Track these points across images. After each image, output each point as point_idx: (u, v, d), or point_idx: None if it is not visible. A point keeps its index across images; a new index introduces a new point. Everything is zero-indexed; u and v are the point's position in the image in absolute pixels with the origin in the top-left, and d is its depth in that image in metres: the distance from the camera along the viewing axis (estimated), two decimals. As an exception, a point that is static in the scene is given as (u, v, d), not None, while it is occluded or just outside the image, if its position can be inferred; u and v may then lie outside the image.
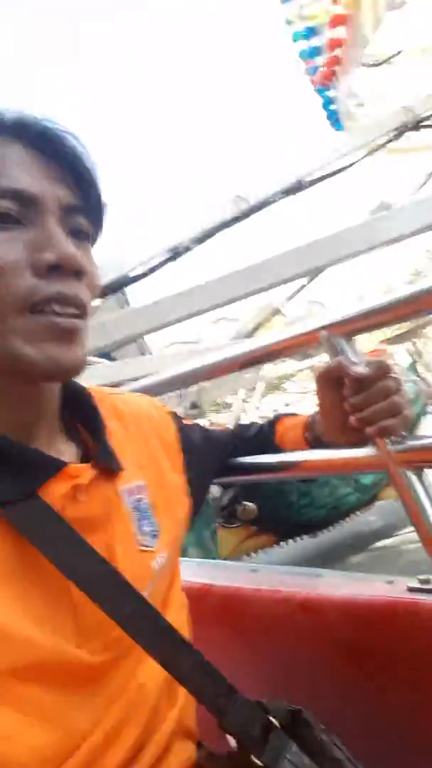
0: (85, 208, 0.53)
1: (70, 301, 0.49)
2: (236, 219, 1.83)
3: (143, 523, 0.60)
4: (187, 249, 1.79)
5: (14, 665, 0.45)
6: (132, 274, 1.78)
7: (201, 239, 1.80)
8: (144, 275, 1.78)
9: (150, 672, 0.53)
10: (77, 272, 0.50)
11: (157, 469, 0.67)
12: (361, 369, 0.65)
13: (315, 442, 0.77)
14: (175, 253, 1.77)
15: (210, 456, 0.80)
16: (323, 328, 0.70)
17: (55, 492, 0.52)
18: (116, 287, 1.75)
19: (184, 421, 0.78)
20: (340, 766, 0.53)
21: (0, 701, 0.44)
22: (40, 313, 0.48)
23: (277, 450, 0.83)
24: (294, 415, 0.86)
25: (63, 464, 0.52)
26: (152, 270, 1.79)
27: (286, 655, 0.76)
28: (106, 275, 1.78)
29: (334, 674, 0.73)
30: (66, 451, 0.58)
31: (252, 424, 0.90)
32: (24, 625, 0.46)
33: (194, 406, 4.50)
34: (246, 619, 0.81)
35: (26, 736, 0.45)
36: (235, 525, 2.18)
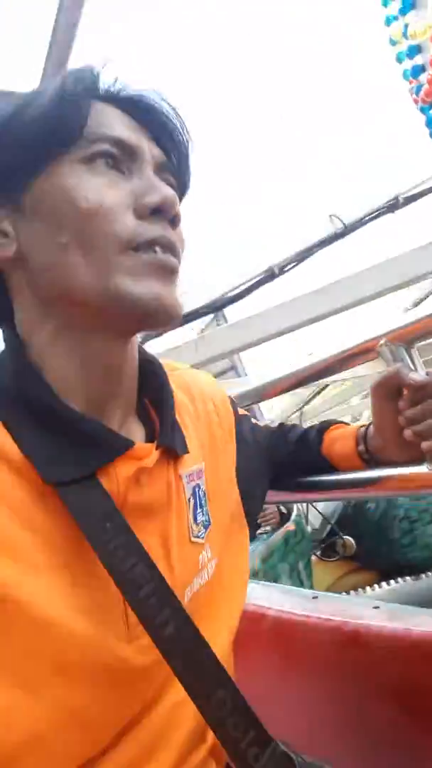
0: (174, 168, 0.54)
1: (171, 245, 0.49)
2: (332, 239, 1.84)
3: (198, 512, 0.57)
4: (283, 269, 1.84)
5: (55, 659, 0.42)
6: (230, 295, 1.88)
7: (297, 259, 1.85)
8: (242, 296, 1.87)
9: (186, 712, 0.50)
10: (174, 217, 0.50)
11: (214, 452, 0.64)
12: (419, 376, 0.61)
13: (369, 456, 0.72)
14: (272, 274, 1.83)
15: (257, 450, 0.76)
16: (382, 336, 0.69)
17: (119, 473, 0.49)
18: (215, 308, 1.85)
19: (239, 411, 0.75)
20: None
21: (35, 697, 0.41)
22: (145, 251, 0.47)
23: (321, 459, 0.78)
24: (342, 423, 0.81)
25: (131, 444, 0.49)
26: (249, 290, 1.87)
27: (332, 687, 0.73)
28: (203, 296, 1.90)
29: (379, 711, 0.68)
30: (136, 430, 0.55)
31: (296, 425, 0.85)
32: (70, 618, 0.43)
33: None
34: (296, 645, 0.79)
35: (56, 737, 0.42)
36: (333, 558, 2.14)
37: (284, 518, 2.01)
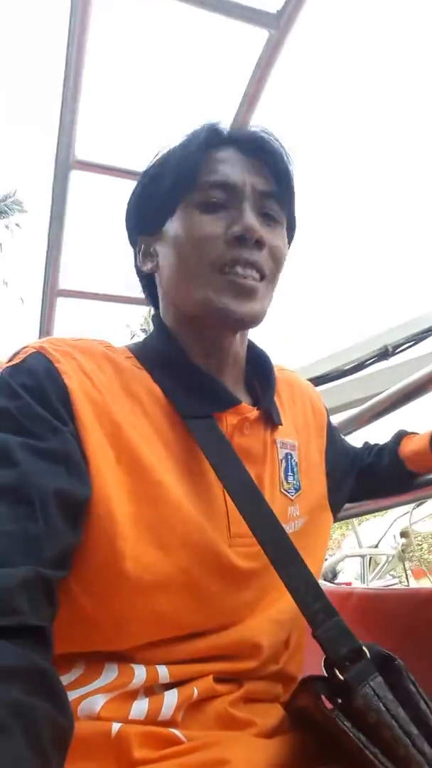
0: (277, 194, 0.64)
1: (251, 264, 0.61)
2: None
3: (288, 474, 0.67)
4: (396, 349, 1.99)
5: (186, 540, 0.54)
6: (345, 368, 2.06)
7: (413, 340, 2.00)
8: (355, 370, 2.04)
9: (285, 606, 0.58)
10: (257, 241, 0.61)
11: (307, 440, 0.74)
12: None
13: None
14: (386, 352, 2.00)
15: (344, 453, 0.85)
16: None
17: (228, 421, 0.63)
18: (330, 379, 2.04)
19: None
20: (424, 717, 0.50)
21: (167, 563, 0.52)
22: (226, 273, 0.60)
23: (398, 461, 0.84)
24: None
25: (239, 401, 0.64)
26: (363, 366, 2.03)
27: (412, 650, 0.79)
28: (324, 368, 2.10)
29: None
30: (242, 396, 0.69)
31: (377, 443, 0.92)
32: (196, 513, 0.55)
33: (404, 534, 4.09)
34: (380, 616, 0.88)
35: (175, 595, 0.52)
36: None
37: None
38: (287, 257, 0.68)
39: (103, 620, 0.51)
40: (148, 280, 0.74)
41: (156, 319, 0.71)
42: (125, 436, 0.55)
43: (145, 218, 0.69)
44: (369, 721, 0.48)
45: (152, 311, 0.75)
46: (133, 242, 0.72)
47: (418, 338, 2.03)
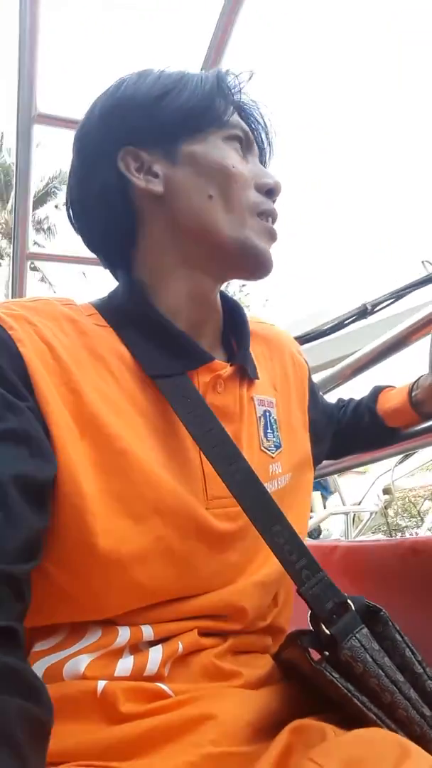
0: (265, 160, 0.68)
1: (275, 218, 0.64)
2: (423, 282, 1.98)
3: (267, 431, 0.66)
4: (375, 307, 1.98)
5: (158, 507, 0.52)
6: (324, 328, 2.05)
7: (391, 298, 1.99)
8: (336, 328, 2.03)
9: (273, 566, 0.57)
10: (275, 198, 0.64)
11: (287, 396, 0.72)
12: None
13: (422, 397, 0.78)
14: (365, 310, 1.99)
15: (324, 409, 0.84)
16: None
17: (200, 379, 0.60)
18: (312, 338, 2.02)
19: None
20: (409, 664, 0.51)
21: (141, 533, 0.50)
22: (263, 219, 0.62)
23: (378, 419, 0.84)
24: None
25: (211, 358, 0.61)
26: (343, 325, 2.03)
27: (396, 599, 0.80)
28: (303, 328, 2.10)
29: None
30: (217, 353, 0.66)
31: (352, 399, 0.92)
32: (167, 476, 0.53)
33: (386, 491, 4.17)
34: (364, 568, 0.90)
35: (152, 565, 0.51)
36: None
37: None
38: None
39: (81, 596, 0.50)
40: (126, 216, 0.62)
41: (122, 271, 0.65)
42: (90, 406, 0.52)
43: (142, 129, 0.60)
44: (356, 672, 0.49)
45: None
46: (107, 152, 0.61)
47: (397, 295, 2.05)
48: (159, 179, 0.60)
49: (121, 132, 0.61)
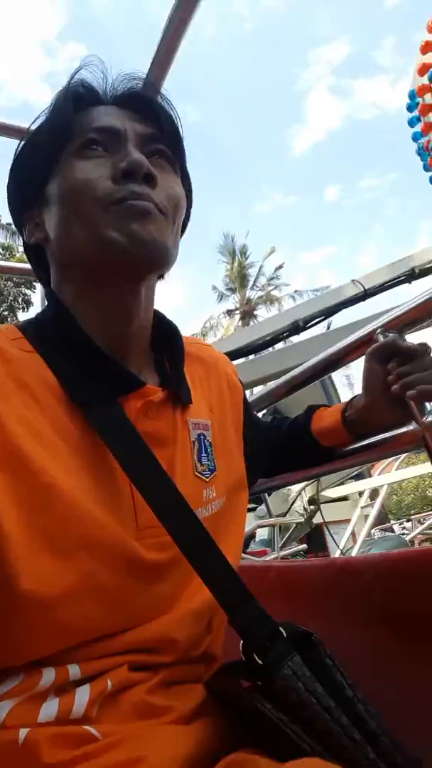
0: (163, 137, 0.62)
1: (143, 197, 0.56)
2: (353, 301, 2.07)
3: (202, 455, 0.64)
4: (307, 323, 2.05)
5: (85, 541, 0.49)
6: (260, 342, 2.09)
7: (322, 315, 2.06)
8: (270, 343, 2.08)
9: (206, 595, 0.54)
10: (146, 175, 0.57)
11: (222, 417, 0.71)
12: (412, 344, 0.73)
13: (355, 417, 0.79)
14: (297, 327, 2.04)
15: (259, 431, 0.82)
16: (379, 328, 0.80)
17: (130, 406, 0.57)
18: (247, 352, 2.05)
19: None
20: (340, 688, 0.51)
21: (67, 570, 0.47)
22: (121, 205, 0.56)
23: (312, 439, 0.84)
24: (329, 407, 0.87)
25: (142, 383, 0.58)
26: (276, 340, 2.07)
27: (327, 619, 0.80)
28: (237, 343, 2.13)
29: (367, 634, 0.75)
30: (149, 376, 0.64)
31: (287, 418, 0.92)
32: (94, 508, 0.51)
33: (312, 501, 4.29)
34: (298, 588, 0.91)
35: (80, 604, 0.48)
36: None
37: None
38: (186, 211, 0.65)
39: (2, 640, 0.47)
40: (36, 253, 0.67)
41: (49, 293, 0.64)
42: (12, 438, 0.49)
43: (25, 191, 0.64)
44: (289, 701, 0.48)
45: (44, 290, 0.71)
46: (21, 224, 0.66)
47: (326, 313, 2.12)
48: (40, 226, 0.63)
49: (20, 197, 0.66)
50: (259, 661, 0.49)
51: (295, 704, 0.48)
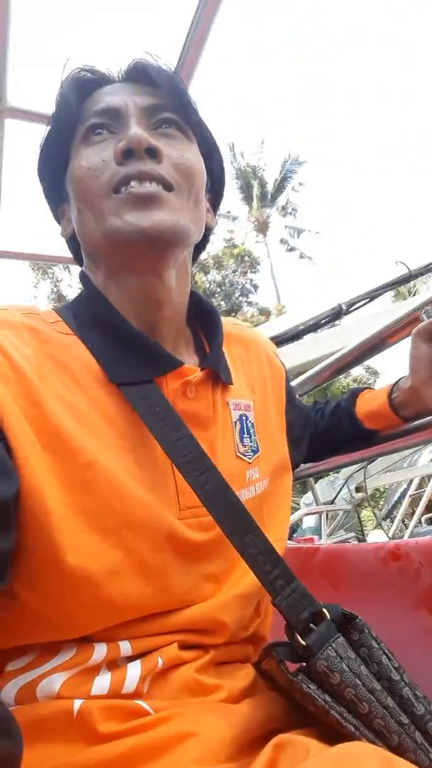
0: (168, 106, 0.60)
1: (147, 176, 0.54)
2: (399, 283, 2.01)
3: (244, 436, 0.63)
4: (350, 308, 2.00)
5: (128, 520, 0.50)
6: (301, 328, 2.06)
7: (365, 298, 2.01)
8: (311, 329, 2.04)
9: (248, 579, 0.56)
10: (148, 150, 0.55)
11: (264, 398, 0.70)
12: None
13: (402, 400, 0.78)
14: (340, 312, 2.00)
15: (301, 413, 0.82)
16: (425, 307, 0.78)
17: (168, 386, 0.58)
18: (287, 340, 2.03)
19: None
20: (386, 671, 0.50)
21: (111, 547, 0.49)
22: (121, 192, 0.55)
23: (357, 422, 0.83)
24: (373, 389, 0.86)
25: (180, 363, 0.58)
26: (318, 325, 2.03)
27: (375, 602, 0.81)
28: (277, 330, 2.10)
29: (416, 618, 0.76)
30: (187, 357, 0.64)
31: (329, 401, 0.90)
32: (138, 489, 0.51)
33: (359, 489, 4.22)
34: (345, 571, 0.90)
35: (125, 580, 0.49)
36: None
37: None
38: (217, 175, 0.66)
39: (53, 616, 0.48)
40: (73, 246, 0.69)
41: (84, 277, 0.65)
42: (53, 418, 0.49)
43: (49, 185, 0.66)
44: (333, 682, 0.48)
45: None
46: (57, 218, 0.69)
47: (372, 295, 2.06)
48: (70, 220, 0.64)
49: (51, 193, 0.67)
50: (303, 642, 0.49)
51: (338, 685, 0.48)
